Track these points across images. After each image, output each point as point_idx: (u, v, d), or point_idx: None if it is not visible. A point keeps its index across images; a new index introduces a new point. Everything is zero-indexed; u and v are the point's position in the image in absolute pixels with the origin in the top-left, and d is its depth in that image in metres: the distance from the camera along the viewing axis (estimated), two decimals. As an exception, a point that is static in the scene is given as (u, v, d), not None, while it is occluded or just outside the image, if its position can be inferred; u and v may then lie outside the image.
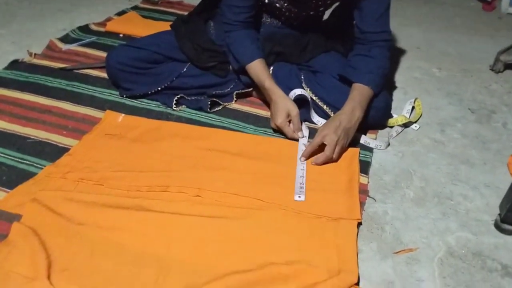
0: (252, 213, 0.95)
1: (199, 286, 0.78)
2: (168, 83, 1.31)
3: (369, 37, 1.21)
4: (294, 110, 1.17)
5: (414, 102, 1.37)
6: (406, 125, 1.29)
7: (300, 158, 1.11)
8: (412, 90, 1.52)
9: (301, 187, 1.03)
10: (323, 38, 1.34)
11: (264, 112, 1.33)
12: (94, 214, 0.91)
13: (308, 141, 1.17)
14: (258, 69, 1.24)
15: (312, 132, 1.19)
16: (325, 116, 1.24)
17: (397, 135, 1.25)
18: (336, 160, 1.11)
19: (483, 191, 1.07)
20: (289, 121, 1.19)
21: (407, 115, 1.32)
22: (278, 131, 1.22)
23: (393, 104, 1.34)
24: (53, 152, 1.11)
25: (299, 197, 1.00)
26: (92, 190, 0.99)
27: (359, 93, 1.15)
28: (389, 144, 1.21)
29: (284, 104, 1.18)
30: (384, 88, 1.24)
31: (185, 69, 1.32)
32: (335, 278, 0.79)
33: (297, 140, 1.18)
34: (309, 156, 1.11)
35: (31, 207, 0.92)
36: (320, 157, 1.09)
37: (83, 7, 2.13)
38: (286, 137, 1.19)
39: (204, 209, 0.95)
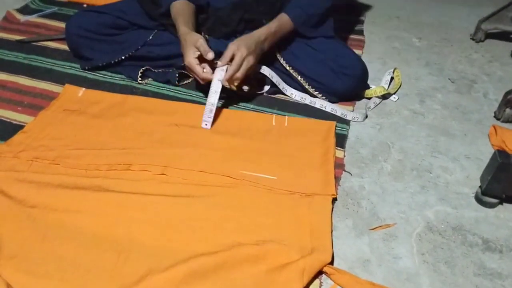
0: (220, 191, 0.89)
1: (162, 270, 0.72)
2: (133, 51, 1.22)
3: None
4: (199, 39, 1.07)
5: (393, 73, 1.32)
6: (384, 96, 1.23)
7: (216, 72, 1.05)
8: (391, 61, 1.46)
9: (209, 116, 1.03)
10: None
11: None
12: (48, 196, 0.84)
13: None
14: (178, 9, 1.17)
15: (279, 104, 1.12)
16: (300, 87, 1.18)
17: (375, 106, 1.20)
18: (239, 78, 1.06)
19: (464, 163, 1.03)
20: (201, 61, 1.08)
21: (386, 86, 1.26)
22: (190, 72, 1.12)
23: (372, 75, 1.28)
24: (6, 130, 1.02)
25: (206, 125, 0.99)
26: (47, 170, 0.91)
27: (279, 24, 1.13)
28: (366, 116, 1.15)
29: (189, 39, 1.08)
30: (316, 28, 1.20)
31: (151, 37, 1.24)
32: (307, 257, 0.74)
33: (208, 83, 1.07)
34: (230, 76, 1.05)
35: (-22, 189, 0.84)
36: (227, 71, 1.04)
37: (45, -23, 1.99)
38: (196, 78, 1.10)
39: (169, 188, 0.89)
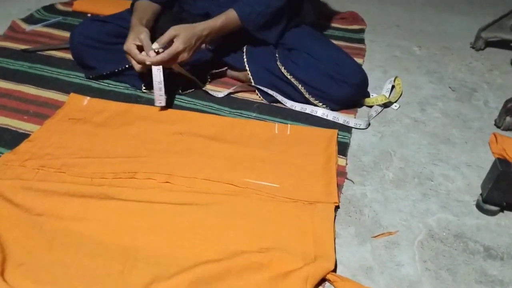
0: (224, 199, 0.90)
1: (167, 278, 0.73)
2: None
3: None
4: (143, 31, 1.10)
5: (394, 81, 1.33)
6: (386, 105, 1.25)
7: (149, 52, 1.07)
8: (392, 69, 1.48)
9: (160, 94, 1.07)
10: (291, 11, 1.28)
11: (239, 94, 1.27)
12: (55, 204, 0.85)
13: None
14: (138, 7, 1.21)
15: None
16: (300, 96, 1.20)
17: (376, 115, 1.21)
18: (166, 62, 1.07)
19: (465, 170, 1.04)
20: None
21: (387, 94, 1.28)
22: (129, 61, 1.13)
23: (373, 83, 1.30)
24: (12, 139, 1.04)
25: (160, 103, 1.05)
26: (53, 178, 0.92)
27: (225, 20, 1.14)
28: (369, 124, 1.16)
29: (134, 30, 1.12)
30: (269, 27, 1.21)
31: (153, 46, 1.25)
32: (311, 265, 0.75)
33: (147, 66, 1.09)
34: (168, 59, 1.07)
35: (-15, 198, 0.85)
36: (156, 56, 1.06)
37: (50, -13, 2.02)
38: (133, 63, 1.11)
39: (173, 196, 0.90)
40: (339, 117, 1.15)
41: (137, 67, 1.11)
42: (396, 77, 1.33)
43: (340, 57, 1.21)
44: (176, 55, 1.07)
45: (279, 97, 1.21)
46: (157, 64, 1.07)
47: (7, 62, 1.35)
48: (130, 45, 1.09)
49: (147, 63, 1.06)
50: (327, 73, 1.17)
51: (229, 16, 1.15)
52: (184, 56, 1.09)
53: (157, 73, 1.08)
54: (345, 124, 1.14)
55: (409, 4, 2.07)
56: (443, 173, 1.03)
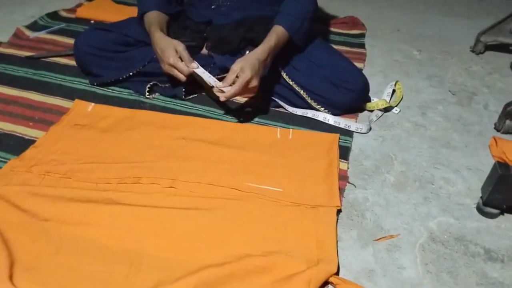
0: (228, 203, 0.91)
1: (172, 282, 0.74)
2: (140, 67, 1.25)
3: None
4: (180, 44, 1.12)
5: (395, 85, 1.34)
6: (386, 109, 1.26)
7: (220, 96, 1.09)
8: (392, 73, 1.49)
9: (213, 80, 1.11)
10: None
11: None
12: (61, 209, 0.86)
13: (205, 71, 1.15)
14: (150, 18, 1.22)
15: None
16: (302, 101, 1.21)
17: (377, 119, 1.22)
18: (238, 93, 1.08)
19: (465, 174, 1.05)
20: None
21: (388, 99, 1.29)
22: (170, 75, 1.16)
23: (374, 88, 1.31)
24: (18, 145, 1.05)
25: (215, 82, 1.10)
26: (59, 183, 0.94)
27: (276, 37, 1.14)
28: (370, 128, 1.18)
29: (168, 42, 1.14)
30: (307, 35, 1.23)
31: (157, 54, 1.27)
32: (314, 268, 0.76)
33: (188, 76, 1.14)
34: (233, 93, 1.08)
35: (-7, 203, 0.87)
36: (229, 90, 1.07)
37: (53, -7, 2.04)
38: (178, 75, 1.13)
39: (177, 201, 0.91)
40: (341, 121, 1.17)
41: (183, 78, 1.13)
42: (397, 81, 1.35)
43: (341, 63, 1.22)
44: (246, 84, 1.07)
45: (281, 102, 1.22)
46: (231, 97, 1.08)
47: (12, 69, 1.37)
48: (176, 59, 1.11)
49: (222, 99, 1.08)
50: (328, 79, 1.18)
51: (279, 32, 1.15)
52: (253, 83, 1.08)
53: (205, 75, 1.12)
54: (347, 128, 1.16)
55: (409, 8, 2.08)
56: (443, 176, 1.04)
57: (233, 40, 1.24)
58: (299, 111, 1.21)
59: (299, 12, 1.19)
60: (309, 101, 1.20)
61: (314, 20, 1.28)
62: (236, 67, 1.07)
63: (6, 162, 0.99)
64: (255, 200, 0.93)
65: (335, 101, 1.19)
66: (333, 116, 1.18)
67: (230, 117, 1.19)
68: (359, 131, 1.15)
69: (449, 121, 1.25)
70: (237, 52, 1.26)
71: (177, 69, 1.12)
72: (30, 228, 0.83)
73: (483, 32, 1.61)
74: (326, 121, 1.18)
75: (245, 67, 1.06)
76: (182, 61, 1.12)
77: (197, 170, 0.99)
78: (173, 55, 1.11)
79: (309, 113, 1.20)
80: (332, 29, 1.79)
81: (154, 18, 1.21)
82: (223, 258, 0.79)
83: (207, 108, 1.23)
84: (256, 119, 1.19)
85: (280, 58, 1.24)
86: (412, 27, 1.86)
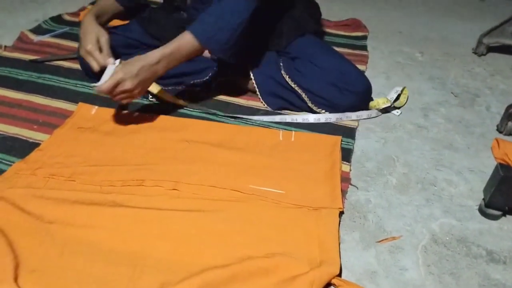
0: (230, 205, 0.92)
1: (175, 284, 0.74)
2: None
3: None
4: (104, 35, 1.12)
5: (402, 91, 1.32)
6: (387, 110, 1.26)
7: (94, 87, 1.06)
8: (395, 75, 1.49)
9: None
10: (292, 19, 1.30)
11: (243, 101, 1.29)
12: (65, 212, 0.87)
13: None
14: (99, 2, 1.23)
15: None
16: (304, 105, 1.22)
17: (376, 116, 1.23)
18: (103, 91, 1.04)
19: (467, 176, 1.05)
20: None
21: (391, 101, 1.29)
22: (86, 59, 1.14)
23: (376, 90, 1.32)
24: (23, 148, 1.06)
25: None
26: (63, 186, 0.94)
27: (178, 45, 1.07)
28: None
29: (93, 28, 1.13)
30: (234, 46, 1.12)
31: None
32: (316, 270, 0.77)
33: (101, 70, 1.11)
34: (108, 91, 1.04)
35: (-2, 206, 0.87)
36: (100, 85, 1.04)
37: (57, -3, 2.06)
38: (92, 63, 1.11)
39: (181, 203, 0.91)
40: (342, 116, 1.20)
41: (96, 69, 1.11)
42: (404, 88, 1.33)
43: (344, 65, 1.22)
44: (116, 84, 1.03)
45: (280, 115, 1.22)
46: (101, 92, 1.04)
47: (16, 73, 1.38)
48: (93, 48, 1.10)
49: (95, 91, 1.05)
50: (330, 81, 1.18)
51: (183, 39, 1.08)
52: (125, 86, 1.03)
53: (108, 72, 1.08)
54: (357, 118, 1.21)
55: (411, 10, 2.09)
56: (446, 178, 1.04)
57: None
58: (299, 118, 1.20)
59: (218, 20, 1.08)
60: (310, 105, 1.20)
61: (320, 24, 1.28)
62: (117, 67, 1.06)
63: (10, 165, 1.00)
64: (258, 202, 0.93)
65: (337, 104, 1.19)
66: (335, 114, 1.20)
67: (231, 119, 1.20)
68: (370, 116, 1.21)
69: (451, 123, 1.25)
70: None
71: (93, 57, 1.11)
72: (35, 231, 0.84)
73: (485, 34, 1.62)
74: (329, 121, 1.20)
75: (121, 68, 1.04)
76: (101, 51, 1.11)
77: (200, 172, 1.00)
78: (93, 42, 1.10)
79: (310, 118, 1.20)
80: (334, 31, 1.79)
81: (104, 5, 1.22)
82: (226, 259, 0.79)
83: (211, 110, 1.23)
84: (258, 121, 1.20)
85: (282, 61, 1.25)
86: (414, 29, 1.87)
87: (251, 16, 1.10)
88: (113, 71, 1.04)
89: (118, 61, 1.10)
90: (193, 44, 1.08)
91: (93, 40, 1.11)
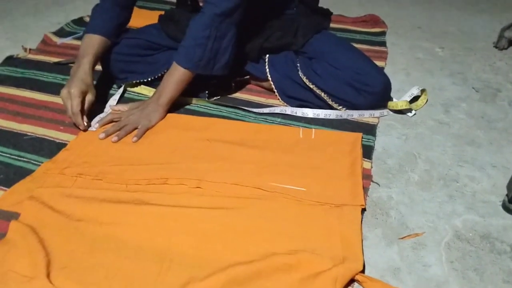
0: (253, 202, 0.93)
1: (201, 279, 0.76)
2: (164, 71, 1.27)
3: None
4: (92, 94, 1.13)
5: (421, 93, 1.31)
6: (401, 111, 1.25)
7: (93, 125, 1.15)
8: (415, 71, 1.49)
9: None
10: (306, 18, 1.31)
11: (263, 99, 1.31)
12: (93, 210, 0.90)
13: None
14: (90, 41, 1.20)
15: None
16: (323, 103, 1.22)
17: (387, 115, 1.24)
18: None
19: (490, 171, 1.04)
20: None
21: (409, 99, 1.28)
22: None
23: (396, 86, 1.31)
24: (51, 148, 1.09)
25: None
26: (91, 185, 0.97)
27: (170, 76, 1.16)
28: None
29: (85, 78, 1.13)
30: (220, 61, 1.17)
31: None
32: (340, 266, 0.78)
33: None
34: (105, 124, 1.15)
35: (29, 205, 0.90)
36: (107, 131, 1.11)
37: (78, 0, 2.10)
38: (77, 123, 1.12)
39: (204, 201, 0.93)
40: (364, 113, 1.20)
41: (81, 127, 1.13)
42: (424, 90, 1.31)
43: (361, 65, 1.21)
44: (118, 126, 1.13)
45: (288, 109, 1.24)
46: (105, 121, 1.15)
47: (42, 75, 1.42)
48: (76, 109, 1.09)
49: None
50: (347, 82, 1.18)
51: (172, 68, 1.16)
52: (127, 129, 1.12)
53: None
54: (371, 116, 1.21)
55: (430, 5, 2.07)
56: (468, 174, 1.04)
57: (252, 51, 1.26)
58: (309, 113, 1.22)
59: (187, 40, 1.14)
60: (330, 102, 1.21)
61: (331, 21, 1.28)
62: (123, 110, 1.19)
63: (39, 165, 1.03)
64: (280, 199, 0.94)
65: (355, 104, 1.20)
66: (357, 110, 1.21)
67: (253, 117, 1.21)
68: (383, 115, 1.21)
69: (473, 118, 1.24)
70: (257, 60, 1.28)
71: (65, 104, 1.11)
72: (64, 229, 0.86)
73: (507, 28, 1.60)
74: (351, 118, 1.20)
75: (125, 114, 1.16)
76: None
77: (222, 171, 1.01)
78: (77, 103, 1.09)
79: (321, 115, 1.21)
80: (352, 28, 1.79)
81: (94, 45, 1.20)
82: (250, 256, 0.81)
83: (230, 109, 1.25)
84: (278, 119, 1.21)
85: (299, 61, 1.25)
86: (434, 24, 1.85)
87: (225, 26, 1.13)
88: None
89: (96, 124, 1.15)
90: (177, 69, 1.15)
91: (78, 90, 1.10)
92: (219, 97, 1.31)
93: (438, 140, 1.15)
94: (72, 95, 1.09)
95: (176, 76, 1.16)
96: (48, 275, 0.76)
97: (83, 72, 1.14)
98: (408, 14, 1.95)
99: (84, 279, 0.77)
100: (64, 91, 1.11)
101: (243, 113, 1.24)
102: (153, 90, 1.27)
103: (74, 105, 1.09)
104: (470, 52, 1.62)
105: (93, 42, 1.20)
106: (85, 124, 1.12)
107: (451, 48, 1.65)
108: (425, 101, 1.31)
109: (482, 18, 1.91)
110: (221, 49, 1.15)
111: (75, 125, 1.14)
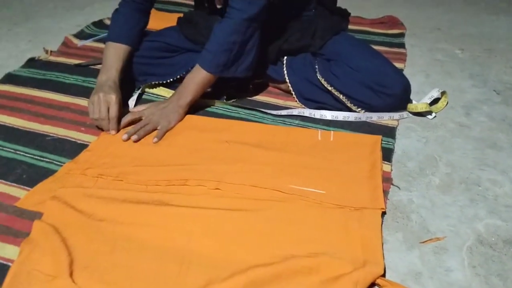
0: (272, 204, 0.93)
1: (221, 280, 0.76)
2: (183, 73, 1.29)
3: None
4: (116, 110, 1.14)
5: (442, 95, 1.29)
6: (421, 113, 1.24)
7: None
8: (434, 73, 1.47)
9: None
10: (324, 19, 1.30)
11: (281, 102, 1.31)
12: (114, 210, 0.91)
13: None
14: (117, 52, 1.22)
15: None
16: (342, 106, 1.22)
17: (407, 117, 1.23)
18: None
19: (513, 175, 1.03)
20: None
21: (429, 101, 1.27)
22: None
23: (415, 88, 1.30)
24: (72, 149, 1.11)
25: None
26: (112, 185, 0.98)
27: (192, 78, 1.18)
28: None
29: (116, 88, 1.16)
30: (243, 65, 1.19)
31: (199, 59, 1.31)
32: (360, 270, 0.77)
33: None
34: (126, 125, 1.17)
35: (51, 205, 0.92)
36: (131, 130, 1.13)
37: (97, 3, 2.13)
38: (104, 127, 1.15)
39: (223, 202, 0.94)
40: (384, 115, 1.19)
41: (113, 132, 1.15)
42: (444, 93, 1.30)
43: (380, 66, 1.20)
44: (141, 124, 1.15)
45: (307, 111, 1.24)
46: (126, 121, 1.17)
47: (63, 77, 1.44)
48: (114, 108, 1.13)
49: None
50: (366, 84, 1.17)
51: (194, 71, 1.18)
52: (148, 127, 1.14)
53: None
54: (390, 119, 1.20)
55: (449, 6, 2.05)
56: (490, 178, 1.02)
57: (270, 53, 1.26)
58: (328, 115, 1.22)
59: (212, 44, 1.15)
60: (349, 105, 1.20)
61: (349, 22, 1.27)
62: (143, 110, 1.20)
63: (61, 166, 1.04)
64: (299, 202, 0.94)
65: (375, 106, 1.19)
66: (376, 113, 1.20)
67: (270, 119, 1.22)
68: (402, 117, 1.19)
69: (494, 121, 1.23)
70: (275, 62, 1.28)
71: (102, 126, 1.15)
72: (86, 228, 0.87)
73: (529, 29, 1.57)
74: (369, 120, 1.20)
75: (145, 114, 1.17)
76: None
77: (241, 172, 1.02)
78: (116, 109, 1.13)
79: (339, 117, 1.21)
80: (371, 29, 1.78)
81: (120, 55, 1.22)
82: (270, 258, 0.80)
83: (248, 111, 1.25)
84: (296, 121, 1.21)
85: (318, 63, 1.25)
86: (453, 26, 1.83)
87: (251, 31, 1.14)
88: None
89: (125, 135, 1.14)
90: (200, 71, 1.17)
91: (104, 110, 1.13)
92: (237, 99, 1.31)
93: (459, 143, 1.14)
94: (112, 101, 1.12)
95: (198, 78, 1.17)
96: (71, 274, 0.77)
97: (113, 83, 1.17)
98: (427, 16, 1.93)
99: (106, 279, 0.78)
100: (94, 97, 1.13)
101: (261, 115, 1.24)
102: (172, 91, 1.28)
103: (114, 110, 1.12)
104: (491, 54, 1.60)
105: (118, 52, 1.23)
106: (113, 133, 1.15)
107: (471, 50, 1.63)
108: (446, 103, 1.29)
109: (503, 19, 1.88)
110: (245, 52, 1.17)
111: (98, 128, 1.16)
